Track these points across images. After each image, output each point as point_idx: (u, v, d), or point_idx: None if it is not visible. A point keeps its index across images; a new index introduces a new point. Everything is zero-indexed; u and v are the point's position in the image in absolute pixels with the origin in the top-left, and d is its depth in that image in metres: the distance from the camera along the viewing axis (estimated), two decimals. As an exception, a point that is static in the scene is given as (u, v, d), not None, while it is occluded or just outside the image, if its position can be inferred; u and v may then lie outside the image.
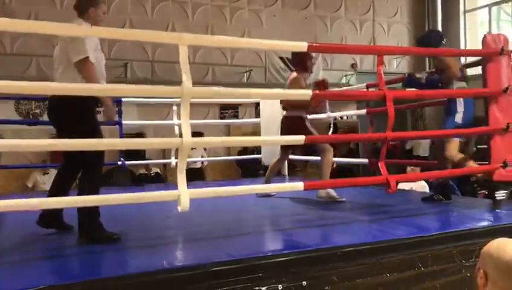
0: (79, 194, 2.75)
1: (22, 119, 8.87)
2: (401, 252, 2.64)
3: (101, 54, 3.12)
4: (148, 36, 2.96)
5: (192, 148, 9.61)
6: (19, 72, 8.62)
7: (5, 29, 2.43)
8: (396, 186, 3.09)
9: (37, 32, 2.41)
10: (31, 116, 8.83)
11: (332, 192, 4.26)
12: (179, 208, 2.42)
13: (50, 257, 2.54)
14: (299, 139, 3.02)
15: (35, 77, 8.35)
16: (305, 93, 3.12)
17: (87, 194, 2.63)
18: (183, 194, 2.41)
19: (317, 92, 3.50)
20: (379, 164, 3.21)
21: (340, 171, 8.98)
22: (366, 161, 5.52)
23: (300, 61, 4.63)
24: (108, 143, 2.72)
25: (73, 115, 2.88)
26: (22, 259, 2.45)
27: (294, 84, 4.51)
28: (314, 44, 3.02)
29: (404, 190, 5.90)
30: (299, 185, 2.93)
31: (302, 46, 2.89)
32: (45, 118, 4.12)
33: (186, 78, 2.40)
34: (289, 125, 4.48)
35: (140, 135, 9.11)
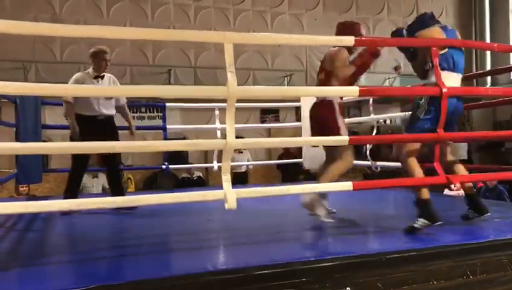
0: None
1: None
2: (449, 259, 2.56)
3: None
4: (193, 36, 3.00)
5: (239, 152, 9.71)
6: (68, 79, 8.94)
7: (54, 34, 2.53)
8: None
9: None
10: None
11: (321, 208, 3.37)
12: (226, 205, 2.43)
13: (97, 258, 2.61)
14: (343, 140, 2.94)
15: (83, 83, 8.64)
16: (353, 90, 3.01)
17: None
18: (229, 193, 2.43)
19: (365, 87, 3.15)
20: (435, 165, 3.09)
21: (383, 176, 8.80)
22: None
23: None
24: (152, 145, 2.77)
25: None
26: (71, 259, 2.53)
27: (339, 59, 3.43)
28: (362, 38, 2.97)
29: (451, 196, 5.73)
30: (347, 185, 2.86)
31: (348, 40, 2.86)
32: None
33: (232, 78, 2.37)
34: (313, 115, 3.66)
35: (183, 139, 9.25)
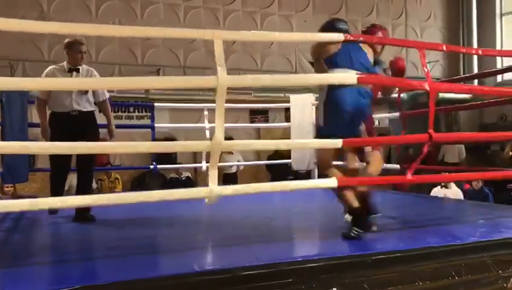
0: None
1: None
2: (434, 260, 2.58)
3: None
4: (183, 33, 3.00)
5: (229, 153, 9.65)
6: (55, 78, 8.89)
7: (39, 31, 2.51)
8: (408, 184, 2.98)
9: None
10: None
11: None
12: (206, 200, 2.43)
13: (83, 258, 2.59)
14: (336, 142, 2.89)
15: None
16: (351, 78, 2.89)
17: None
18: (214, 188, 2.43)
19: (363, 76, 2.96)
20: (412, 165, 3.05)
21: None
22: (396, 166, 5.43)
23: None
24: (138, 146, 2.74)
25: None
26: (57, 260, 2.51)
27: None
28: (350, 34, 2.97)
29: (437, 197, 5.79)
30: (332, 182, 2.82)
31: (337, 36, 2.87)
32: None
33: (222, 70, 2.38)
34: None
35: (171, 140, 9.23)
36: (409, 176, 3.01)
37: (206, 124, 5.77)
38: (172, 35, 3.03)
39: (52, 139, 3.52)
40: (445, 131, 11.51)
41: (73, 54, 3.83)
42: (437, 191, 6.45)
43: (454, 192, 6.38)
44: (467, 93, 7.03)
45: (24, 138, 4.93)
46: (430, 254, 2.61)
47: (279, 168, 8.54)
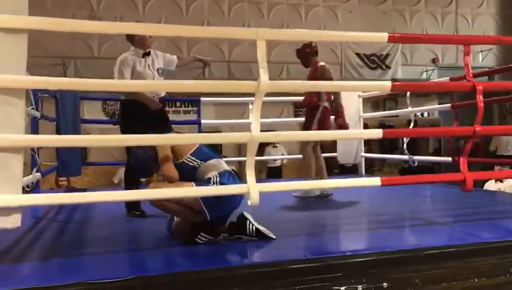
0: None
1: (108, 119, 9.41)
2: (490, 256, 2.48)
3: (146, 70, 3.72)
4: (227, 33, 3.02)
5: (274, 147, 9.67)
6: (105, 74, 9.13)
7: (96, 32, 2.59)
8: (472, 184, 2.87)
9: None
10: (116, 116, 9.34)
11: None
12: (249, 202, 2.43)
13: (136, 249, 2.66)
14: (377, 132, 2.88)
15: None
16: (385, 85, 2.96)
17: None
18: (252, 187, 2.42)
19: (396, 82, 3.16)
20: (460, 160, 2.99)
21: (420, 170, 8.63)
22: (449, 159, 5.25)
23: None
24: (180, 137, 2.78)
25: None
26: (110, 250, 2.58)
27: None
28: (395, 34, 2.89)
29: (491, 191, 5.57)
30: (375, 181, 2.81)
31: (382, 36, 2.80)
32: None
33: (264, 73, 2.39)
34: None
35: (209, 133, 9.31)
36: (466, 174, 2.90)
37: (251, 119, 5.77)
38: (215, 34, 3.07)
39: (134, 127, 3.26)
40: (499, 122, 11.06)
41: (145, 37, 3.75)
42: (491, 185, 6.20)
43: (509, 185, 6.10)
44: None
45: (76, 132, 5.12)
46: (486, 250, 2.51)
47: (325, 161, 8.46)
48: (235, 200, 2.65)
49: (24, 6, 2.08)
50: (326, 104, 4.51)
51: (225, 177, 2.64)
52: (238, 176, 2.84)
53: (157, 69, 3.83)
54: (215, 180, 2.60)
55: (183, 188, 2.53)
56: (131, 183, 3.70)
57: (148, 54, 3.83)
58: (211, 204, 2.54)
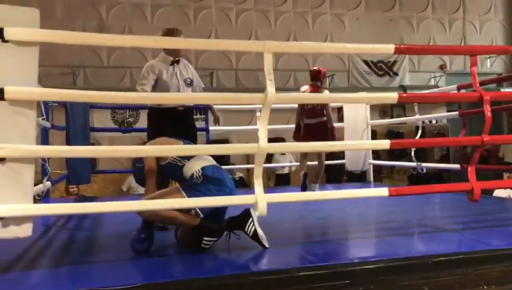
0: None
1: (117, 127, 9.48)
2: (499, 263, 2.47)
3: (172, 79, 3.68)
4: (235, 45, 3.06)
5: (281, 154, 9.65)
6: (114, 83, 9.24)
7: (104, 44, 2.63)
8: (480, 194, 2.87)
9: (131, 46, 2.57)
10: (125, 124, 9.41)
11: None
12: (257, 213, 2.46)
13: (145, 257, 2.68)
14: (384, 143, 2.91)
15: (129, 87, 8.90)
16: (391, 96, 3.00)
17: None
18: (260, 198, 2.44)
19: (403, 94, 3.27)
20: (468, 169, 3.00)
21: (429, 176, 8.59)
22: (457, 166, 5.23)
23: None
24: (190, 149, 2.81)
25: None
26: (119, 257, 2.60)
27: None
28: (401, 45, 2.91)
29: (500, 197, 5.53)
30: (383, 191, 2.84)
31: (388, 48, 2.82)
32: (138, 125, 4.37)
33: (270, 85, 2.43)
34: None
35: (224, 141, 9.36)
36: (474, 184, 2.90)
37: (259, 126, 5.80)
38: (223, 47, 3.13)
39: (158, 135, 3.15)
40: (508, 129, 10.98)
41: None
42: (500, 192, 6.16)
43: (519, 193, 6.06)
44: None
45: (86, 141, 5.17)
46: (495, 257, 2.50)
47: (333, 168, 8.47)
48: (226, 194, 2.64)
49: (36, 19, 2.13)
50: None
51: (208, 170, 2.66)
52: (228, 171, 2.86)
53: (185, 79, 3.78)
54: (197, 175, 2.63)
55: (182, 199, 2.54)
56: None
57: (178, 62, 3.77)
58: (196, 194, 2.55)
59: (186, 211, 2.58)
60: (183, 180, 2.68)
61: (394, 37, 10.68)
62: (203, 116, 9.15)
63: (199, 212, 2.60)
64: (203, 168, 2.66)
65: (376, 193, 2.89)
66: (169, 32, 3.65)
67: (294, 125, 5.49)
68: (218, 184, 2.64)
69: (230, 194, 2.67)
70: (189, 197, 2.54)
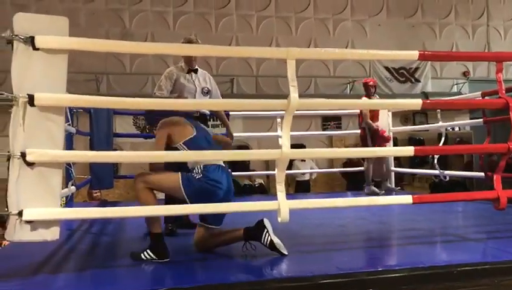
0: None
1: (139, 132, 9.59)
2: (526, 274, 2.43)
3: (189, 84, 3.74)
4: (258, 52, 3.08)
5: (302, 161, 9.61)
6: (137, 90, 9.36)
7: (128, 52, 2.68)
8: (506, 202, 2.82)
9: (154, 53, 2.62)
10: (146, 130, 9.51)
11: None
12: (279, 219, 2.48)
13: (164, 262, 2.70)
14: (408, 150, 2.90)
15: (151, 94, 9.00)
16: (415, 103, 2.97)
17: None
18: (283, 204, 2.45)
19: (427, 100, 3.19)
20: (494, 177, 2.96)
21: (451, 184, 8.45)
22: (481, 174, 5.14)
23: None
24: (210, 154, 2.83)
25: None
26: (140, 262, 2.63)
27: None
28: (426, 52, 2.89)
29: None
30: (407, 199, 2.82)
31: (412, 54, 2.80)
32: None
33: (293, 91, 2.45)
34: None
35: (244, 147, 9.39)
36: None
37: (279, 132, 5.81)
38: (247, 54, 3.15)
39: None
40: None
41: (190, 57, 3.75)
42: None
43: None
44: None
45: (109, 147, 5.25)
46: (521, 268, 2.45)
47: (355, 175, 8.41)
48: (218, 196, 2.72)
49: (65, 28, 2.19)
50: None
51: (210, 170, 2.73)
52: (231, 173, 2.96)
53: (203, 88, 3.82)
54: (198, 170, 2.73)
55: (203, 205, 2.59)
56: None
57: (195, 71, 3.85)
58: (189, 185, 2.68)
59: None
60: (182, 166, 2.79)
61: (416, 44, 10.59)
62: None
63: (183, 190, 2.69)
64: (205, 166, 2.74)
65: (400, 201, 2.88)
66: (188, 43, 3.67)
67: (315, 132, 5.51)
68: (212, 185, 2.72)
69: (225, 195, 2.75)
70: (183, 186, 2.67)
